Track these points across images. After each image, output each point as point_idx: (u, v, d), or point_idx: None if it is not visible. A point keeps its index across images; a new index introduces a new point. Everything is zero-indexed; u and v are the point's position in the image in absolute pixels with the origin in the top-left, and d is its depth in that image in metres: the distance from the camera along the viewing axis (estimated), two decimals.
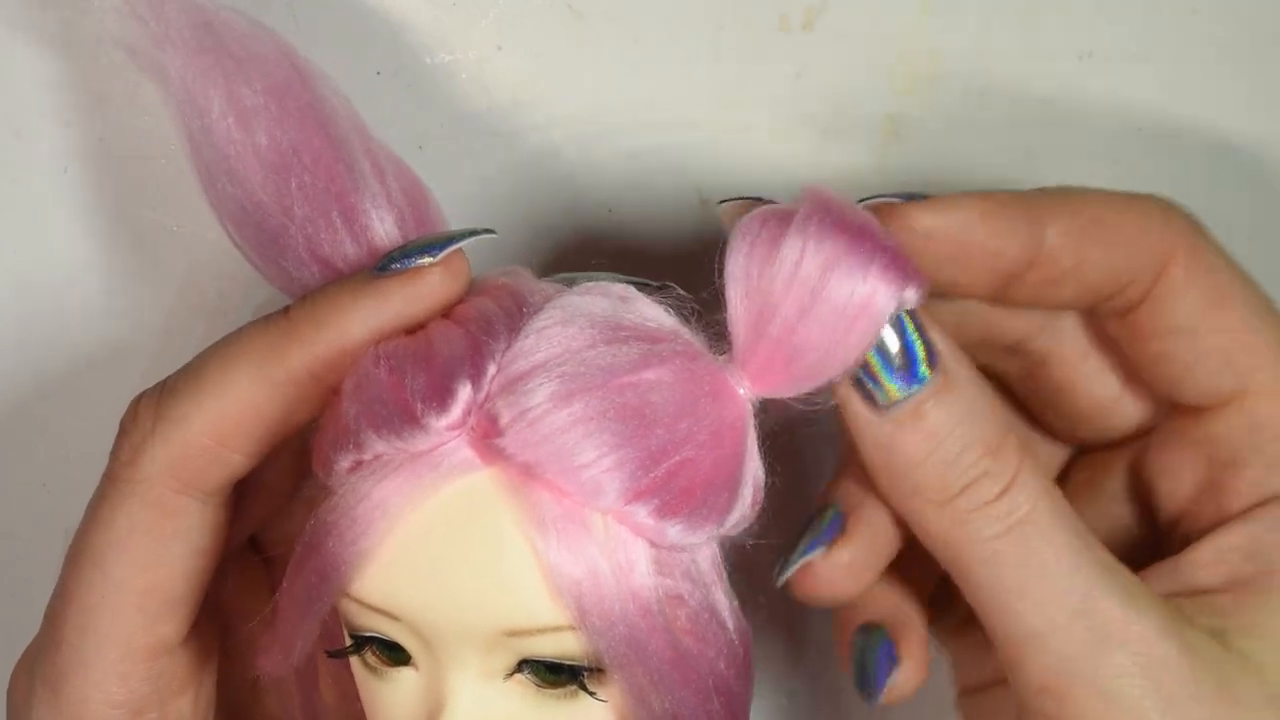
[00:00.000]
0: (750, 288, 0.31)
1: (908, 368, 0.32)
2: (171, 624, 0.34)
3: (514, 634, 0.30)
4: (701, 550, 0.32)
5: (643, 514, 0.30)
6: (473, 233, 0.33)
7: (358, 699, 0.34)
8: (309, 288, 0.34)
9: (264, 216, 0.34)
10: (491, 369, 0.30)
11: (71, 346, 0.43)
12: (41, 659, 0.34)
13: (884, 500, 0.34)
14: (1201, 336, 0.35)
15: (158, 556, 0.33)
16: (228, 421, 0.33)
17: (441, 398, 0.30)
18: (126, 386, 0.35)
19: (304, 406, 0.33)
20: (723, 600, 0.32)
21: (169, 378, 0.34)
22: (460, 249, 0.33)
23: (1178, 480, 0.36)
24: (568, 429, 0.29)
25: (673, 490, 0.30)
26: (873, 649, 0.36)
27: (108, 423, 0.34)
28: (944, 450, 0.32)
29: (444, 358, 0.31)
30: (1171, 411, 0.37)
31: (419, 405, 0.30)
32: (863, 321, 0.30)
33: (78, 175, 0.42)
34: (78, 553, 0.34)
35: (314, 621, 0.32)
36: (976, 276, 0.34)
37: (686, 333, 0.32)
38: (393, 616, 0.31)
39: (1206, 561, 0.35)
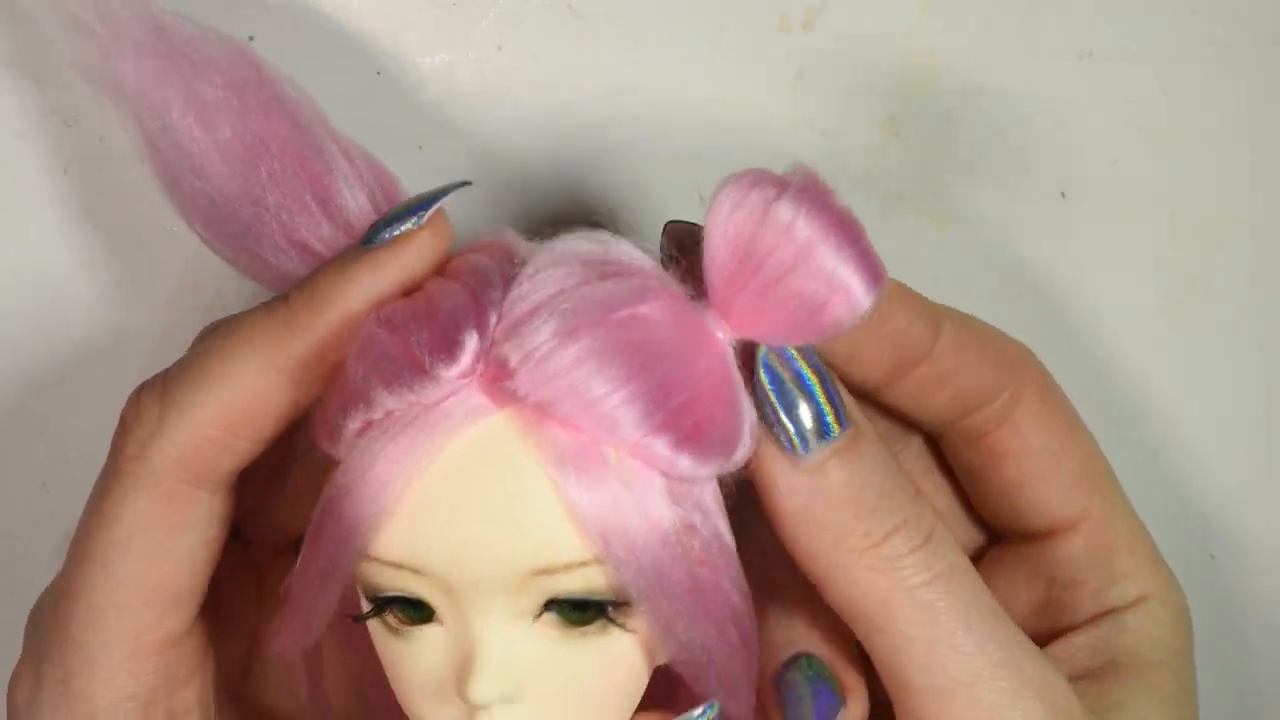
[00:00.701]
0: (739, 235, 0.31)
1: (828, 414, 0.32)
2: (178, 617, 0.34)
3: (541, 573, 0.31)
4: (706, 485, 0.32)
5: (658, 446, 0.30)
6: (448, 189, 0.33)
7: (363, 677, 0.34)
8: (288, 274, 0.34)
9: (236, 208, 0.34)
10: (493, 317, 0.31)
11: (71, 346, 0.43)
12: (48, 657, 0.34)
13: (798, 560, 0.33)
14: (1059, 461, 0.37)
15: (165, 551, 0.33)
16: (237, 410, 0.33)
17: (449, 348, 0.30)
18: (126, 386, 0.35)
19: (312, 388, 0.33)
20: (727, 532, 0.32)
21: (170, 369, 0.34)
22: (441, 208, 0.33)
23: (1013, 602, 0.38)
24: (576, 365, 0.30)
25: (684, 425, 0.30)
26: None
27: (108, 422, 0.34)
28: (866, 495, 0.32)
29: (446, 311, 0.31)
30: (1007, 538, 0.39)
31: (427, 358, 0.30)
32: (841, 299, 0.30)
33: (78, 175, 0.42)
34: (81, 550, 0.34)
35: (335, 591, 0.32)
36: (880, 352, 0.35)
37: (666, 274, 0.33)
38: (418, 571, 0.31)
39: (1056, 658, 0.36)
